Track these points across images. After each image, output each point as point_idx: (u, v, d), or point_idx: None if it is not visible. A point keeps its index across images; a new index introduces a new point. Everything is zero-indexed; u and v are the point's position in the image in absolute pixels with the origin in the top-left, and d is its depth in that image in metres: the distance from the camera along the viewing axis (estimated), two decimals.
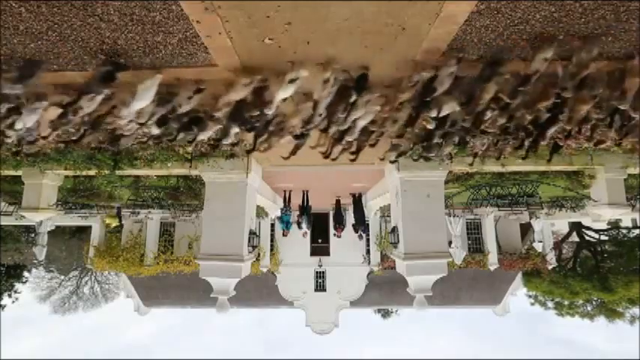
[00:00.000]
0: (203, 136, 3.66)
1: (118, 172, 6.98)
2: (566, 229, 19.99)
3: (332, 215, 13.82)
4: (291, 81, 3.09)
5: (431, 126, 3.54)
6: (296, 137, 3.67)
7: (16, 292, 21.63)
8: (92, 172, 7.00)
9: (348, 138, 3.71)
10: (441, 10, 2.59)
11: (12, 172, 7.25)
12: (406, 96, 3.30)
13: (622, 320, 18.15)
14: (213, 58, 3.20)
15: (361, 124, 3.53)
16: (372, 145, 3.94)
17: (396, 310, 25.43)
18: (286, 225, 12.48)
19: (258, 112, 3.28)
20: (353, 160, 4.09)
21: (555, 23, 2.76)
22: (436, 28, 2.80)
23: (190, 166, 6.69)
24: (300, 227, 12.99)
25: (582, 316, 19.14)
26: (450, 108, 3.24)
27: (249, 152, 4.27)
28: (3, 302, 20.65)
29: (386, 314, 26.03)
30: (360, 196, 12.36)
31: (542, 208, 12.10)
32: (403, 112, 3.45)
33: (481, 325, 62.61)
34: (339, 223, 12.86)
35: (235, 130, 3.46)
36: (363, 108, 3.36)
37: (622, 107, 3.22)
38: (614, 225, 18.96)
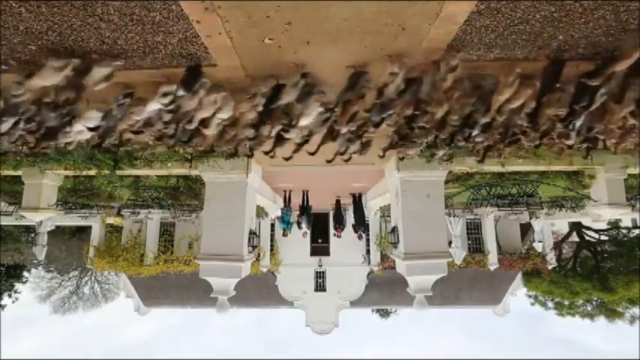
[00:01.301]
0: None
1: (118, 172, 6.99)
2: (566, 229, 19.98)
3: (332, 215, 13.83)
4: (165, 94, 3.09)
5: (290, 135, 3.57)
6: (157, 139, 3.70)
7: (16, 292, 21.61)
8: (92, 172, 7.01)
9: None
10: (441, 10, 2.60)
11: (12, 172, 7.25)
12: (245, 106, 3.36)
13: (622, 320, 18.14)
14: (213, 58, 3.20)
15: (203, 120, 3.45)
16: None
17: (395, 310, 25.42)
18: (287, 225, 12.48)
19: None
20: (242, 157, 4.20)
21: (555, 23, 2.77)
22: (436, 28, 2.80)
23: (190, 166, 6.69)
24: (300, 227, 12.99)
25: (582, 316, 19.13)
26: (309, 118, 3.36)
27: (94, 147, 4.09)
28: (3, 302, 20.63)
29: (384, 314, 26.02)
30: (360, 196, 12.36)
31: (542, 208, 12.10)
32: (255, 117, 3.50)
33: (481, 325, 62.70)
34: (339, 223, 12.85)
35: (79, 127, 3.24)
36: (210, 107, 3.30)
37: (480, 120, 3.37)
38: (614, 225, 18.95)
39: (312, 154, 3.81)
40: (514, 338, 54.07)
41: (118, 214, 13.79)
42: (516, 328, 58.90)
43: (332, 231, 18.63)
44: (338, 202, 13.00)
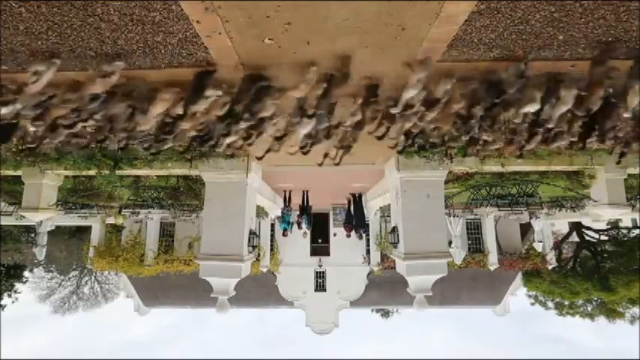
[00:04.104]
0: None
1: (118, 172, 6.99)
2: (566, 229, 19.97)
3: (345, 214, 13.62)
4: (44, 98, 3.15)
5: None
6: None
7: (16, 292, 21.61)
8: (92, 172, 7.01)
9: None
10: (441, 10, 2.59)
11: (12, 172, 7.25)
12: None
13: (622, 320, 18.15)
14: (213, 58, 3.20)
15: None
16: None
17: (397, 310, 25.43)
18: (288, 225, 12.48)
19: None
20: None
21: (555, 23, 2.77)
22: (436, 28, 2.80)
23: (190, 166, 6.70)
24: (300, 227, 12.98)
25: (582, 316, 19.13)
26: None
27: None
28: (3, 302, 20.64)
29: (385, 314, 26.05)
30: (360, 196, 12.36)
31: (542, 208, 12.10)
32: None
33: (482, 325, 62.72)
34: (349, 223, 12.65)
35: None
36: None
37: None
38: (614, 225, 18.94)
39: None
40: (513, 338, 54.20)
41: (120, 213, 13.80)
42: (516, 327, 58.96)
43: (332, 230, 18.71)
44: (349, 200, 12.85)
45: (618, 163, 4.83)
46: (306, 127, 3.52)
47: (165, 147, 3.91)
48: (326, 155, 4.19)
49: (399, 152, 5.94)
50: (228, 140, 3.77)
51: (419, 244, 6.22)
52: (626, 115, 3.13)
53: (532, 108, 3.21)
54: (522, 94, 3.14)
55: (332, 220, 18.67)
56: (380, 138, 3.88)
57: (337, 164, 4.18)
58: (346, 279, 18.44)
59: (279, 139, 3.87)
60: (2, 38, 2.86)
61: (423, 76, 3.12)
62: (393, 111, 3.38)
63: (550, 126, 3.50)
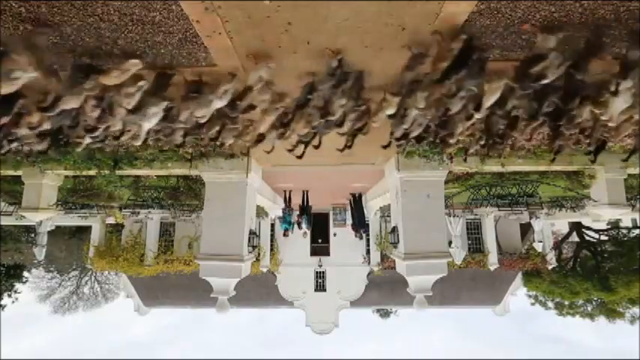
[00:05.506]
0: None
1: (118, 172, 6.99)
2: (566, 229, 19.96)
3: (349, 214, 13.53)
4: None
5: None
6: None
7: (16, 292, 21.57)
8: (92, 172, 7.01)
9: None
10: (441, 10, 2.60)
11: (12, 172, 7.25)
12: None
13: (622, 320, 18.14)
14: (213, 58, 3.20)
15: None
16: None
17: (395, 311, 25.42)
18: (289, 225, 12.48)
19: None
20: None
21: (555, 23, 2.76)
22: (436, 28, 2.80)
23: (190, 166, 6.70)
24: (300, 227, 12.97)
25: (583, 316, 19.13)
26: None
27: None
28: (3, 302, 20.57)
29: (385, 314, 26.03)
30: (360, 196, 12.35)
31: (542, 208, 12.10)
32: None
33: (484, 325, 62.70)
34: (354, 223, 12.55)
35: None
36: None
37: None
38: (614, 225, 18.94)
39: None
40: (513, 338, 54.21)
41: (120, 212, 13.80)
42: (516, 327, 58.95)
43: (332, 230, 18.70)
44: (350, 201, 12.75)
45: (552, 161, 4.86)
46: (149, 122, 3.30)
47: (12, 146, 3.54)
48: (221, 145, 4.25)
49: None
50: (87, 140, 3.44)
51: (419, 244, 6.22)
52: (477, 115, 3.03)
53: (389, 111, 3.22)
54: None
55: (332, 220, 18.66)
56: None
57: (245, 153, 4.29)
58: (346, 279, 18.43)
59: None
60: (2, 38, 2.86)
61: (265, 75, 3.16)
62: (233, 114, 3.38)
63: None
